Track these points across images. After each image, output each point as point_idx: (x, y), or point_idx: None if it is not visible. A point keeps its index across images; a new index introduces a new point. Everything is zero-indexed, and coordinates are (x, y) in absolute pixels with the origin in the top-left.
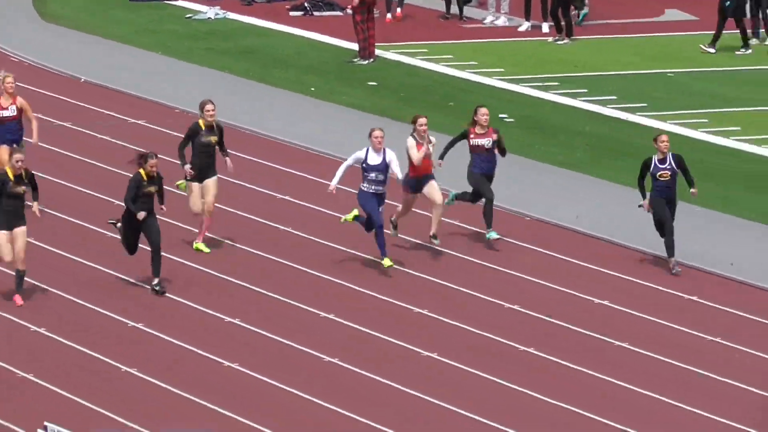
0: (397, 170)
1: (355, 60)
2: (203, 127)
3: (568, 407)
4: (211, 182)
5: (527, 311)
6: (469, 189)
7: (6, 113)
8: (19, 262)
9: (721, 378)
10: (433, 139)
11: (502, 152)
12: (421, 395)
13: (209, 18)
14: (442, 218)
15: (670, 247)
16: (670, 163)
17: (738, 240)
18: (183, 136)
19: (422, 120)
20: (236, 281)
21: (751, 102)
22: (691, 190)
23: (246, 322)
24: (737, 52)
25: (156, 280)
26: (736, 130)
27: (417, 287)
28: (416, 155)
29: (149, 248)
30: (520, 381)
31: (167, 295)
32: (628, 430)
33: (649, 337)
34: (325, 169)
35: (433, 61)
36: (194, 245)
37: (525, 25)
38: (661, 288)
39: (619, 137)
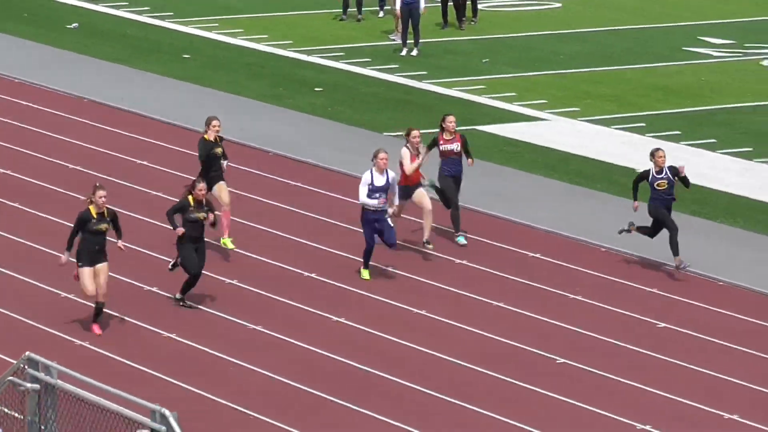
0: (396, 190)
1: None
2: (212, 140)
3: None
4: (223, 185)
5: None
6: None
7: None
8: (100, 296)
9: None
10: (423, 151)
11: (467, 154)
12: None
13: None
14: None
15: (675, 246)
16: (666, 174)
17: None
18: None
19: (416, 132)
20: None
21: (255, 10)
22: (682, 174)
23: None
24: None
25: (179, 294)
26: (240, 32)
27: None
28: (410, 166)
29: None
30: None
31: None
32: None
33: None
34: (25, 93)
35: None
36: (221, 241)
37: None
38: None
39: (153, 38)
